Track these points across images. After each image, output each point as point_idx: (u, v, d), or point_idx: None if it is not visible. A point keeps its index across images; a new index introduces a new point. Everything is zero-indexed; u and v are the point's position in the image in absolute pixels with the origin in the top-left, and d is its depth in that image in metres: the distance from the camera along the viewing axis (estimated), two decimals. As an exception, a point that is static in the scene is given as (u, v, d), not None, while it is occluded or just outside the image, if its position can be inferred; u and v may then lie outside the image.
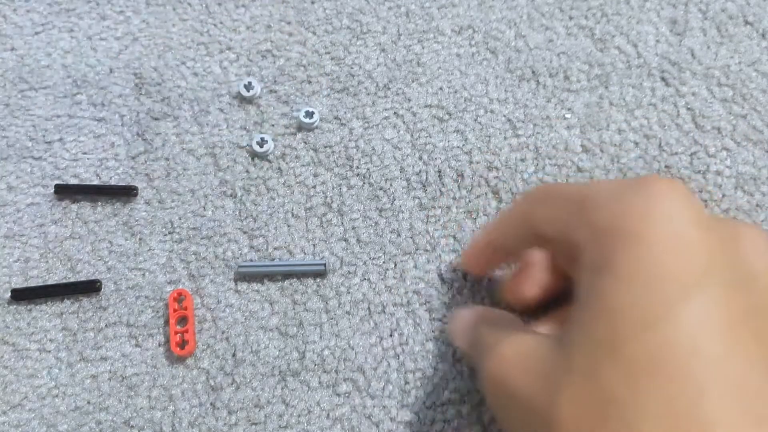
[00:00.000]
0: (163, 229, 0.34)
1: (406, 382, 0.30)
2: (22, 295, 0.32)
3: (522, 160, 0.35)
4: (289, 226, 0.33)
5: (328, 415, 0.30)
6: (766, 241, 0.22)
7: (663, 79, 0.37)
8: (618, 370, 0.19)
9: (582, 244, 0.22)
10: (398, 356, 0.31)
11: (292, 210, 0.34)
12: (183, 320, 0.31)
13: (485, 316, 0.29)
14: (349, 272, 0.32)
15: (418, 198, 0.34)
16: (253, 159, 0.35)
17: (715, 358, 0.18)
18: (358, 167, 0.35)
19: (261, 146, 0.35)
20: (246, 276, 0.32)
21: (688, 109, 0.36)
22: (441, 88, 0.37)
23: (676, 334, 0.19)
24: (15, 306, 0.32)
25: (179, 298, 0.32)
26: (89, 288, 0.32)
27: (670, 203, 0.21)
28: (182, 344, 0.31)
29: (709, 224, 0.21)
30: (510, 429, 0.23)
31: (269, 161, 0.35)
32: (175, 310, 0.31)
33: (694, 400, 0.18)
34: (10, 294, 0.32)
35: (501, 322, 0.28)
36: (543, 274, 0.29)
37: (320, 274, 0.32)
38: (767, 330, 0.20)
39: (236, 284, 0.32)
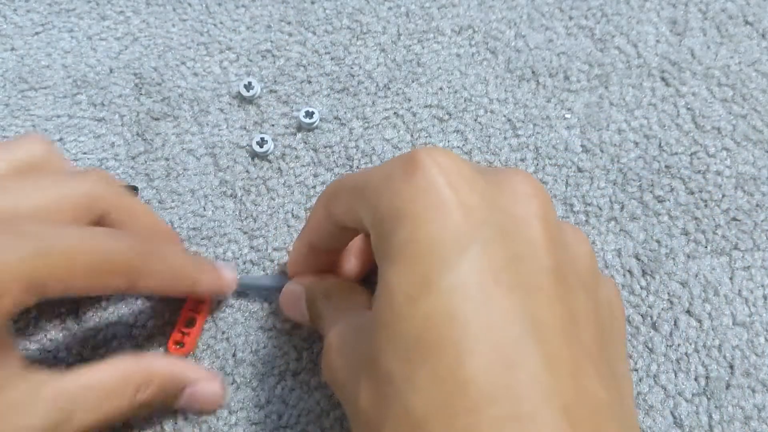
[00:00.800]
0: (163, 229, 0.34)
1: (406, 382, 0.30)
2: None
3: (522, 160, 0.35)
4: (289, 226, 0.33)
5: (328, 414, 0.30)
6: (530, 186, 0.22)
7: (663, 79, 0.37)
8: (393, 350, 0.19)
9: (369, 230, 0.22)
10: (398, 356, 0.31)
11: (292, 210, 0.34)
12: (191, 322, 0.31)
13: (317, 289, 0.28)
14: (349, 272, 0.32)
15: (418, 198, 0.34)
16: (253, 159, 0.35)
17: (471, 320, 0.19)
18: (358, 167, 0.35)
19: (261, 146, 0.35)
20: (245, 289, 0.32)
21: (688, 109, 0.36)
22: (441, 88, 0.37)
23: (436, 303, 0.19)
24: (15, 306, 0.32)
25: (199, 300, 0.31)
26: None
27: (426, 173, 0.21)
28: (180, 344, 0.31)
29: (470, 182, 0.21)
30: (348, 415, 0.23)
31: (269, 161, 0.35)
32: (189, 309, 0.31)
33: (454, 365, 0.18)
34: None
35: (336, 292, 0.28)
36: (362, 245, 0.30)
37: None
38: (527, 276, 0.20)
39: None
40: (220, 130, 0.36)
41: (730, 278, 0.32)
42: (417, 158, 0.21)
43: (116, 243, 0.25)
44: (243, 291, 0.32)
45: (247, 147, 0.35)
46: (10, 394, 0.23)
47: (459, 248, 0.19)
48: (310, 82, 0.37)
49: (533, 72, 0.37)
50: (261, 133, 0.35)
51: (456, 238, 0.20)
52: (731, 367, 0.30)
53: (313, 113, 0.35)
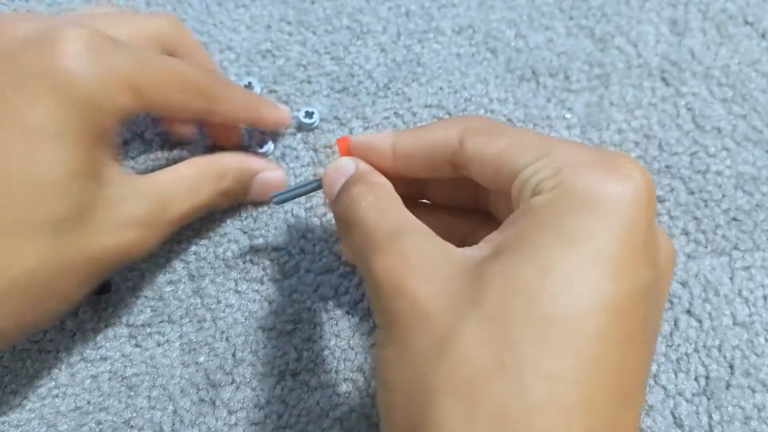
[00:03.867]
0: (163, 229, 0.34)
1: (406, 382, 0.30)
2: None
3: (522, 160, 0.35)
4: (289, 226, 0.33)
5: (328, 414, 0.30)
6: (665, 238, 0.22)
7: (663, 79, 0.37)
8: (529, 325, 0.19)
9: (524, 191, 0.21)
10: (398, 356, 0.31)
11: (292, 210, 0.34)
12: None
13: (374, 182, 0.25)
14: (348, 272, 0.32)
15: (418, 198, 0.34)
16: (253, 159, 0.35)
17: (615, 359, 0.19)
18: (358, 167, 0.35)
19: (261, 146, 0.35)
20: (283, 200, 0.30)
21: (688, 109, 0.36)
22: (441, 88, 0.37)
23: (601, 325, 0.19)
24: (15, 306, 0.32)
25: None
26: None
27: (633, 184, 0.20)
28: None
29: (653, 217, 0.21)
30: (390, 328, 0.21)
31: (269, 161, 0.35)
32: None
33: (578, 384, 0.18)
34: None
35: (393, 201, 0.24)
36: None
37: None
38: (651, 333, 0.21)
39: (236, 284, 0.32)
40: (220, 130, 0.36)
41: (730, 278, 0.32)
42: (621, 162, 0.20)
43: (196, 69, 0.29)
44: (285, 200, 0.30)
45: (248, 147, 0.35)
46: (117, 190, 0.26)
47: (634, 280, 0.19)
48: (310, 82, 0.37)
49: (533, 72, 0.37)
50: (261, 133, 0.35)
51: (635, 267, 0.20)
52: (731, 367, 0.30)
53: (313, 113, 0.35)
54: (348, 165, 0.26)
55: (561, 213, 0.20)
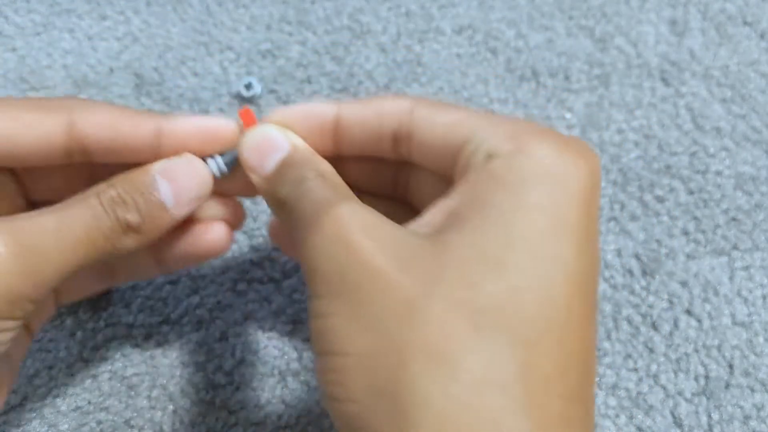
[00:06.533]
0: (164, 229, 0.34)
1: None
2: None
3: (522, 160, 0.35)
4: (289, 226, 0.33)
5: (328, 414, 0.30)
6: None
7: (663, 79, 0.37)
8: (499, 294, 0.18)
9: (488, 152, 0.21)
10: (398, 356, 0.31)
11: (292, 210, 0.34)
12: None
13: (309, 156, 0.23)
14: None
15: (418, 198, 0.34)
16: (253, 159, 0.35)
17: (567, 327, 0.19)
18: (358, 167, 0.35)
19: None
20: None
21: (688, 109, 0.36)
22: (441, 88, 0.37)
23: (567, 296, 0.19)
24: (15, 306, 0.32)
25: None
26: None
27: (590, 165, 0.20)
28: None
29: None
30: (338, 292, 0.20)
31: (269, 161, 0.35)
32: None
33: (551, 354, 0.18)
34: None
35: (337, 178, 0.23)
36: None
37: None
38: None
39: (236, 284, 0.32)
40: (220, 130, 0.36)
41: (730, 278, 0.32)
42: (576, 141, 0.21)
43: None
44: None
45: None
46: None
47: (588, 261, 0.20)
48: (310, 82, 0.37)
49: (533, 72, 0.37)
50: (261, 133, 0.35)
51: (584, 245, 0.20)
52: (731, 366, 0.30)
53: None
54: (278, 139, 0.24)
55: (523, 176, 0.20)
